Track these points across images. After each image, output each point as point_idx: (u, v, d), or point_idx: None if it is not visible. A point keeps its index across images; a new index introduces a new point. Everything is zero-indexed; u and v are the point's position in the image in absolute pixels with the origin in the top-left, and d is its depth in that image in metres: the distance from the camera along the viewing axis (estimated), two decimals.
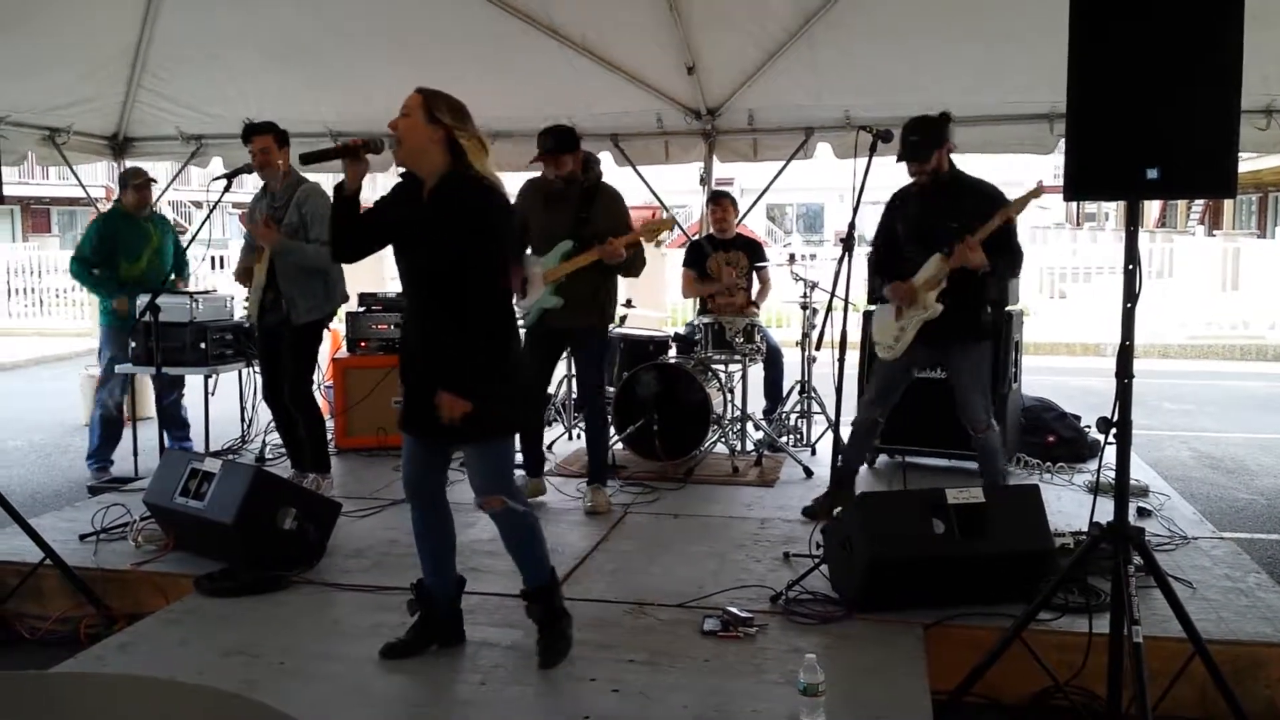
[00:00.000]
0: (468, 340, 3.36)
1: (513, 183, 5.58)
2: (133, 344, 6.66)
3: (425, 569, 3.74)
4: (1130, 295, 3.19)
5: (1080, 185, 3.18)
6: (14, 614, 4.35)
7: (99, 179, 14.10)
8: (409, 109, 3.51)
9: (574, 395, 7.13)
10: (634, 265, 5.41)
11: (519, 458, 5.24)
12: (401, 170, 3.58)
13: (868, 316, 5.43)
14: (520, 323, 4.68)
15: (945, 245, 4.73)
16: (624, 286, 5.99)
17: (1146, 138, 3.05)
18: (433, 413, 3.37)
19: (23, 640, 4.24)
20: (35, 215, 29.58)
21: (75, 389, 9.27)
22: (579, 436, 7.17)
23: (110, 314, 6.83)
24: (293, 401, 5.66)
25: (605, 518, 5.33)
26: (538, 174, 5.47)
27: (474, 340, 3.36)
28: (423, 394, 3.43)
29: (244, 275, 5.66)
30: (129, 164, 8.82)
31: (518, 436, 4.42)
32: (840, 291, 4.91)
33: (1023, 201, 4.73)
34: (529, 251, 5.43)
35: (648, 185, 7.95)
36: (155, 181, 7.08)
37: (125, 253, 6.74)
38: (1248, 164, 16.45)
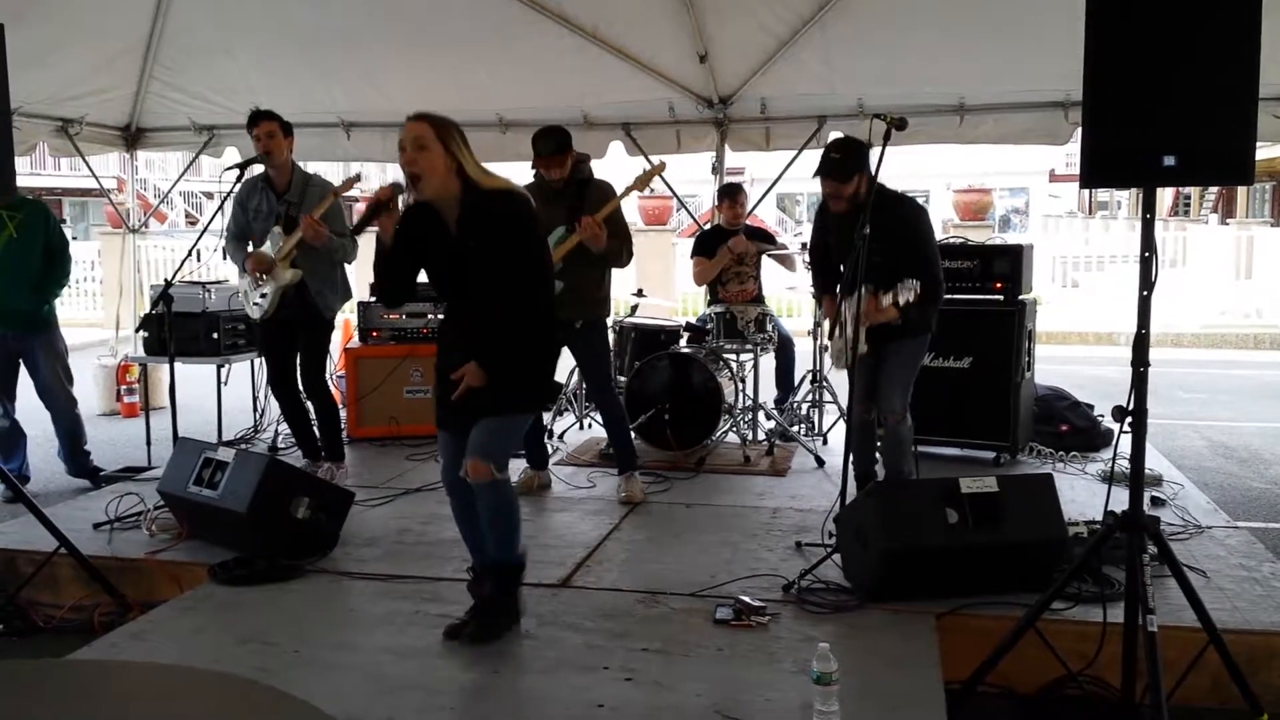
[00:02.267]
0: (506, 329, 3.44)
1: (523, 171, 5.59)
2: (145, 334, 6.68)
3: (473, 554, 3.78)
4: (1146, 283, 3.17)
5: (1097, 172, 3.16)
6: (29, 602, 4.37)
7: (111, 170, 14.14)
8: (426, 142, 3.39)
9: (584, 385, 7.13)
10: (620, 255, 5.36)
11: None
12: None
13: None
14: None
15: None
16: (635, 276, 5.98)
17: (1163, 125, 3.03)
18: (464, 401, 3.44)
19: (38, 629, 4.26)
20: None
21: (89, 379, 9.31)
22: (590, 426, 7.17)
23: None
24: (310, 391, 5.68)
25: (617, 507, 5.33)
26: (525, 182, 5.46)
27: (512, 331, 3.45)
28: (454, 383, 3.50)
29: (254, 268, 5.61)
30: (142, 154, 8.87)
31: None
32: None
33: (645, 179, 5.18)
34: None
35: (661, 177, 7.91)
36: None
37: None
38: (1262, 152, 16.36)
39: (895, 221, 4.65)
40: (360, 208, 16.19)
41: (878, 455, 5.15)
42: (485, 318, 3.48)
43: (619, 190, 5.44)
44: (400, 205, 3.53)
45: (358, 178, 5.90)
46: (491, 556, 3.67)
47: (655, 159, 6.07)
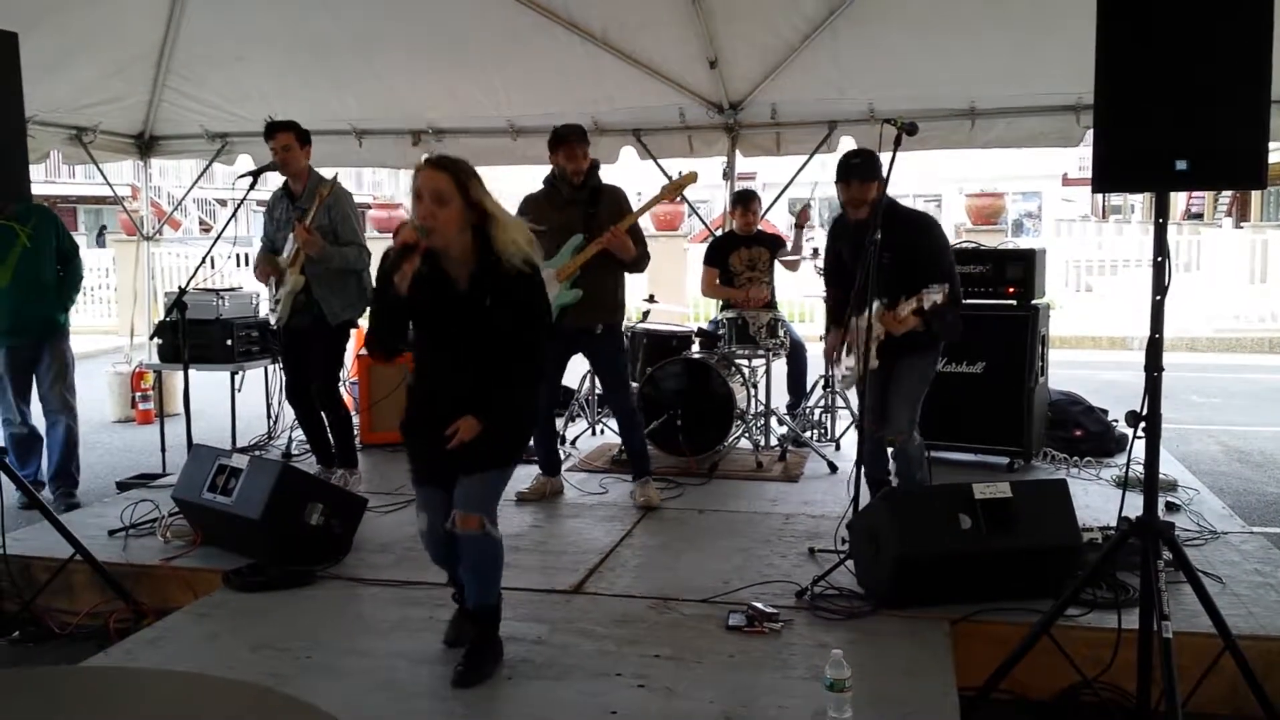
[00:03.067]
0: (511, 386, 3.43)
1: (534, 178, 5.60)
2: (159, 341, 6.70)
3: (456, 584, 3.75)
4: (1159, 287, 3.16)
5: (1109, 177, 3.16)
6: (44, 609, 4.39)
7: (125, 177, 14.21)
8: (445, 196, 3.26)
9: (598, 391, 7.13)
10: (639, 261, 5.39)
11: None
12: None
13: None
14: None
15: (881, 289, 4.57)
16: (646, 282, 5.98)
17: (1176, 129, 3.02)
18: (454, 454, 3.37)
19: (53, 635, 4.28)
20: (61, 214, 29.72)
21: (103, 385, 9.36)
22: (602, 432, 7.18)
23: None
24: (322, 399, 5.69)
25: (629, 513, 5.33)
26: (533, 190, 5.48)
27: (516, 389, 3.45)
28: (446, 441, 3.38)
29: (264, 274, 5.66)
30: (155, 162, 8.90)
31: (532, 439, 4.43)
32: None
33: (677, 187, 5.21)
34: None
35: (670, 179, 7.92)
36: None
37: None
38: (1276, 155, 16.27)
39: (912, 236, 4.65)
40: (374, 214, 16.25)
41: (892, 465, 5.14)
42: (485, 371, 3.39)
43: (646, 199, 5.50)
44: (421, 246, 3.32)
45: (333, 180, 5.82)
46: (473, 600, 3.59)
47: (683, 167, 6.05)
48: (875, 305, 4.54)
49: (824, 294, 5.71)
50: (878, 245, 4.35)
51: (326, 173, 5.68)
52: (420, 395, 3.57)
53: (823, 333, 6.89)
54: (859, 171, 4.66)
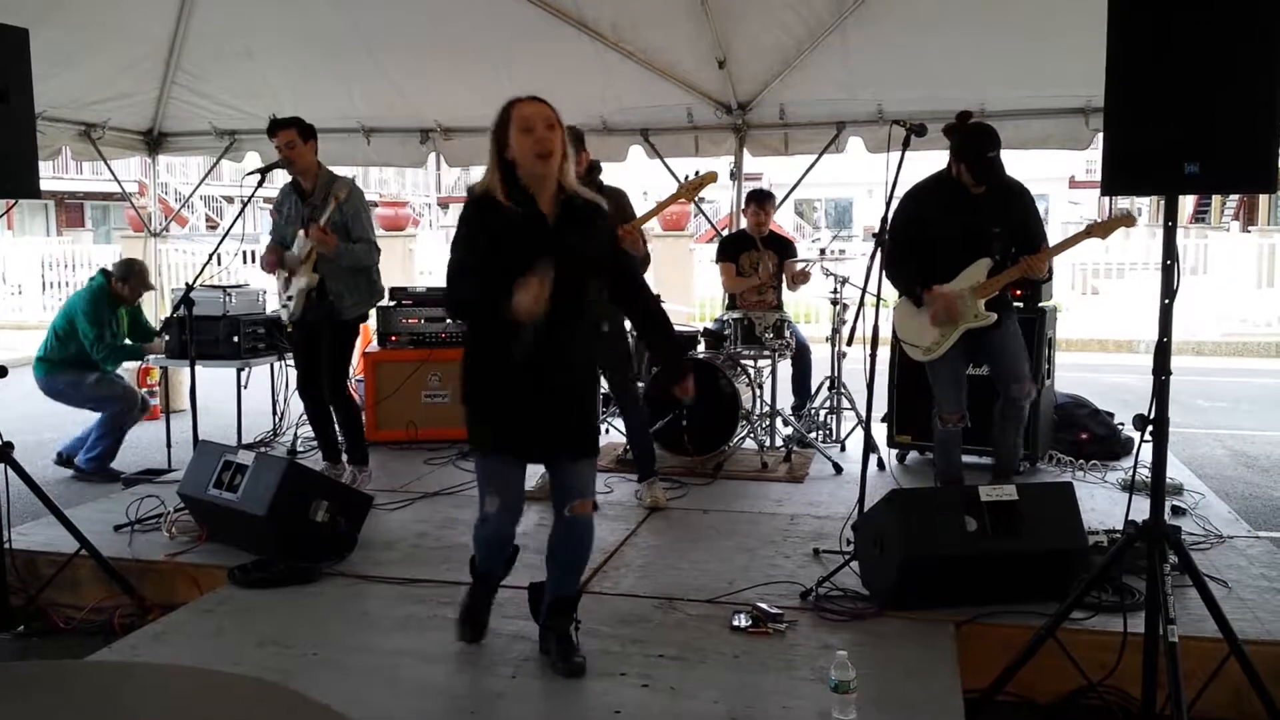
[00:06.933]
0: (665, 326, 3.62)
1: None
2: (166, 337, 6.73)
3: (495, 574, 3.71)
4: (1168, 291, 3.15)
5: (1119, 180, 3.15)
6: (50, 604, 4.39)
7: (132, 174, 14.24)
8: (553, 121, 3.40)
9: (604, 390, 7.12)
10: (642, 262, 5.39)
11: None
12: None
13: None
14: None
15: (994, 251, 4.77)
16: (652, 282, 5.96)
17: (1185, 132, 3.00)
18: (558, 430, 3.37)
19: (58, 630, 4.29)
20: (69, 210, 29.89)
21: None
22: (608, 431, 7.17)
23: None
24: (331, 394, 5.70)
25: (634, 513, 5.33)
26: None
27: (668, 324, 3.64)
28: (550, 412, 3.35)
29: (271, 264, 5.66)
30: (163, 159, 8.91)
31: None
32: (871, 287, 4.88)
33: (1110, 227, 4.72)
34: None
35: (677, 180, 7.91)
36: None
37: None
38: None
39: (1020, 201, 4.91)
40: (381, 212, 16.28)
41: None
42: (587, 334, 3.47)
43: (659, 198, 5.49)
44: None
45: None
46: (564, 591, 3.57)
47: (691, 168, 6.06)
48: (982, 263, 4.82)
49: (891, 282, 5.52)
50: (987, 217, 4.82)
51: (339, 171, 5.68)
52: (517, 360, 3.28)
53: (829, 330, 6.90)
54: (993, 171, 4.81)
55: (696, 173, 5.17)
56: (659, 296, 4.02)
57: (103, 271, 6.85)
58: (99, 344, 6.61)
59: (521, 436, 3.36)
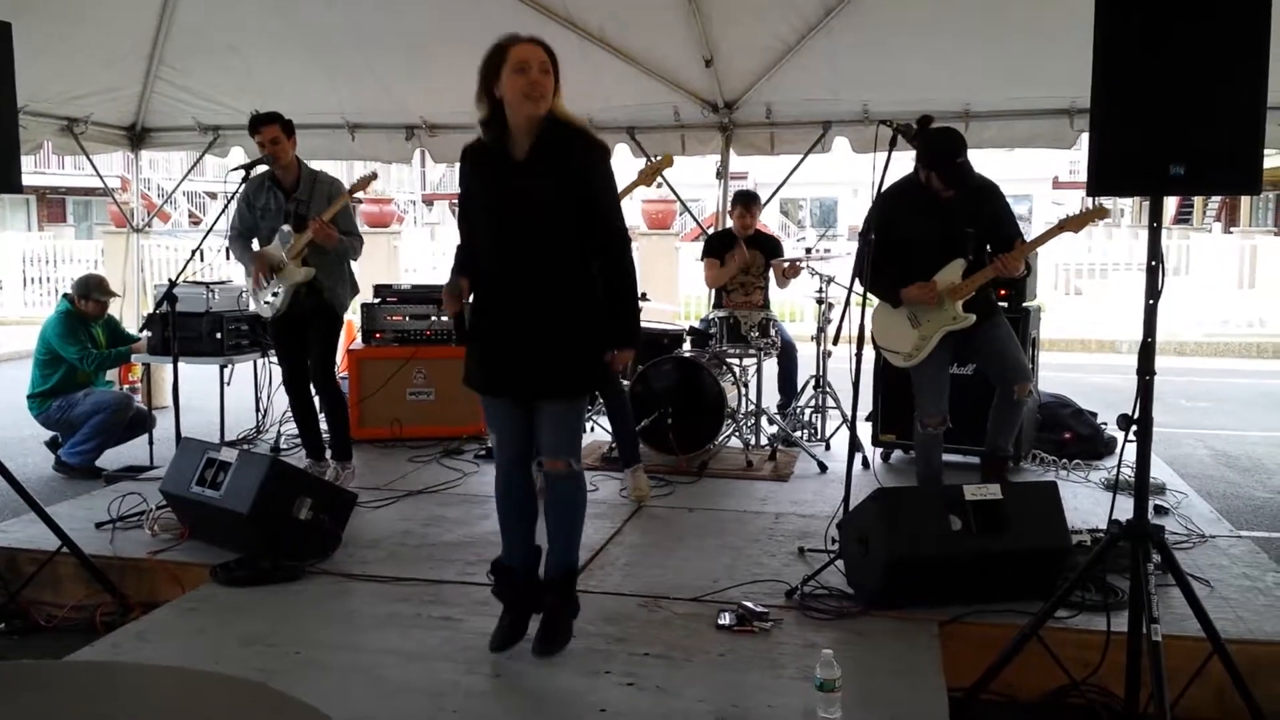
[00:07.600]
0: (619, 289, 3.48)
1: None
2: (149, 333, 6.71)
3: (511, 554, 3.67)
4: (1152, 292, 3.16)
5: (1104, 181, 3.16)
6: (31, 602, 4.37)
7: (115, 169, 14.14)
8: (548, 66, 3.35)
9: None
10: None
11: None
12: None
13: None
14: None
15: (967, 251, 4.77)
16: (639, 279, 5.94)
17: (1171, 133, 3.02)
18: (531, 370, 3.40)
19: (39, 628, 4.25)
20: (50, 205, 29.70)
21: None
22: (592, 429, 7.17)
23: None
24: (320, 385, 5.68)
25: (619, 511, 5.32)
26: None
27: (625, 290, 3.49)
28: (521, 353, 3.40)
29: (261, 273, 5.61)
30: (146, 154, 8.87)
31: None
32: (857, 286, 4.89)
33: (1083, 221, 4.68)
34: None
35: (664, 178, 7.92)
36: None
37: None
38: (1267, 161, 16.33)
39: (991, 201, 4.89)
40: (365, 209, 16.20)
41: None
42: (559, 278, 3.41)
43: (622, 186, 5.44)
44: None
45: (374, 176, 5.94)
46: (556, 563, 3.57)
47: (685, 164, 6.04)
48: (956, 263, 4.80)
49: (860, 274, 5.50)
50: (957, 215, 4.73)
51: (320, 165, 5.67)
52: (489, 301, 3.50)
53: (814, 329, 6.91)
54: (962, 177, 4.76)
55: (655, 156, 5.16)
56: (645, 294, 3.99)
57: (65, 296, 6.95)
58: (85, 358, 6.72)
59: (499, 377, 3.49)
